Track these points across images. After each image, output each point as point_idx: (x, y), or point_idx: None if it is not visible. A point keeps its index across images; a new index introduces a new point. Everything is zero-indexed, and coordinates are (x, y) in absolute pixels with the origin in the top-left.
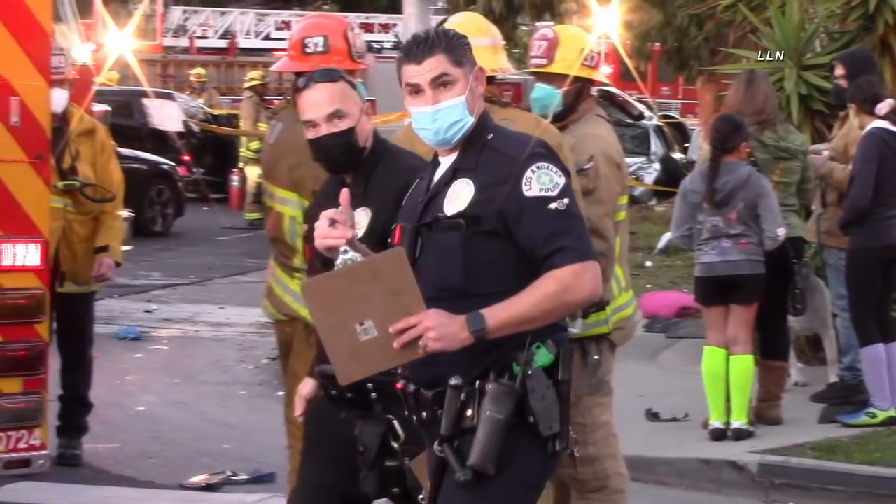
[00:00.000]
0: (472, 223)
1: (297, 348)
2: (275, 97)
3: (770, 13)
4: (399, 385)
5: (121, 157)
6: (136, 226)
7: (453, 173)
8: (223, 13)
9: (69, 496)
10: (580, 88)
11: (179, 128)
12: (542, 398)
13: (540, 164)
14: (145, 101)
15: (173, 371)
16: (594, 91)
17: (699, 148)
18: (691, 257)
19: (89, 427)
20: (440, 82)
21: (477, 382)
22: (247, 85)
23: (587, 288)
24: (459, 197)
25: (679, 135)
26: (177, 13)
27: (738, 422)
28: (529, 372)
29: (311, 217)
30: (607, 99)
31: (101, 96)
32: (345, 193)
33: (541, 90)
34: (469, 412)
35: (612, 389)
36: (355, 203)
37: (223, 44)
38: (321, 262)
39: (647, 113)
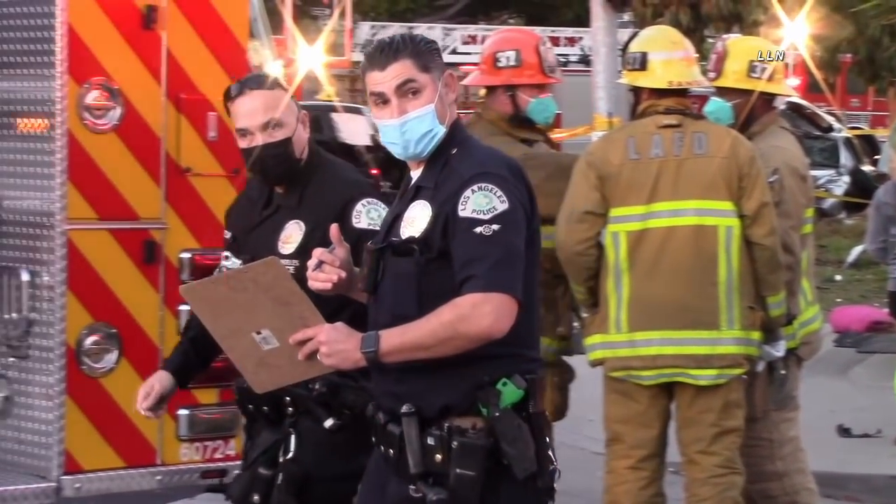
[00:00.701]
0: (425, 249)
1: None
2: (461, 111)
3: None
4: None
5: None
6: None
7: (416, 192)
8: (410, 28)
9: None
10: (754, 101)
11: (367, 142)
12: (515, 439)
13: (483, 185)
14: (334, 115)
15: None
16: (780, 103)
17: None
18: (883, 271)
19: None
20: (406, 90)
21: (445, 426)
22: None
23: (484, 321)
24: (416, 221)
25: (869, 147)
26: (365, 28)
27: None
28: (497, 414)
29: (230, 216)
30: (795, 111)
31: None
32: (334, 229)
33: (713, 104)
34: (439, 456)
35: (799, 405)
36: (288, 215)
37: None
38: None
39: (836, 125)
